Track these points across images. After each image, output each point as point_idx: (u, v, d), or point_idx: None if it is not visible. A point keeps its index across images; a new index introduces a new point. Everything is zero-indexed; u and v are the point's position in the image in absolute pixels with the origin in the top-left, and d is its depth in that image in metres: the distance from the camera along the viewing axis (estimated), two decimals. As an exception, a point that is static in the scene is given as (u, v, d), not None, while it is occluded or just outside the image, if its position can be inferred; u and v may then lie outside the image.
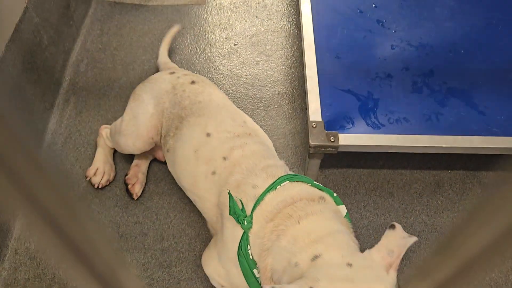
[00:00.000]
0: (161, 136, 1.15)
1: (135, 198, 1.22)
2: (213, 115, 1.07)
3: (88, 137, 1.35)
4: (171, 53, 1.58)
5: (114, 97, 1.45)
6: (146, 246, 1.15)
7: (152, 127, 1.14)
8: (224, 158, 0.99)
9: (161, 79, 1.20)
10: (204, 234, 1.17)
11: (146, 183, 1.26)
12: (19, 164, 0.22)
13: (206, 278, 1.09)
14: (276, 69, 1.56)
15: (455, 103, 1.28)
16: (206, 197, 1.01)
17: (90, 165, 1.28)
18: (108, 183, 1.25)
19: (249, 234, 0.88)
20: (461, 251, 0.23)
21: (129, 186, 1.23)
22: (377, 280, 0.75)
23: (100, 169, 1.24)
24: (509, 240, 0.21)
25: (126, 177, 1.24)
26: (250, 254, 0.88)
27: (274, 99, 1.48)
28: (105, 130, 1.29)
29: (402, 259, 0.77)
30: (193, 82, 1.16)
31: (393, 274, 0.78)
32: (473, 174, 1.34)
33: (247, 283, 0.90)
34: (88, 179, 1.23)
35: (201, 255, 1.12)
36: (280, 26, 1.69)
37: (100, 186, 1.23)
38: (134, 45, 1.59)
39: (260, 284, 0.88)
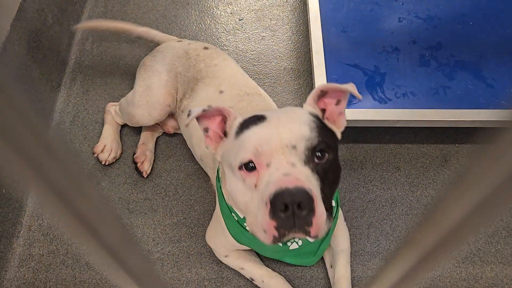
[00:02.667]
0: (176, 101, 1.18)
1: (145, 176, 1.24)
2: (227, 77, 1.14)
3: (95, 116, 1.36)
4: (175, 29, 1.57)
5: (120, 75, 1.45)
6: (156, 222, 1.18)
7: (168, 94, 1.17)
8: (230, 108, 1.01)
9: (171, 46, 1.23)
10: (212, 210, 1.19)
11: (154, 161, 1.27)
12: (29, 143, 0.23)
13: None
14: (281, 44, 1.54)
15: (463, 76, 1.26)
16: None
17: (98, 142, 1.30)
18: (115, 160, 1.26)
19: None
20: (443, 221, 0.24)
21: (138, 165, 1.24)
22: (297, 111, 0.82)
23: (107, 146, 1.25)
24: (485, 209, 0.22)
25: (134, 156, 1.25)
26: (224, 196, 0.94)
27: (280, 75, 1.47)
28: (113, 107, 1.30)
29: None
30: (206, 48, 1.21)
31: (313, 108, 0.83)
32: (475, 148, 1.33)
33: (231, 231, 0.95)
34: (95, 155, 1.25)
35: (210, 230, 1.14)
36: (285, 0, 1.66)
37: (107, 163, 1.25)
38: (139, 22, 1.58)
39: (243, 227, 0.92)
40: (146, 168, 1.24)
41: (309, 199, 0.67)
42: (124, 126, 1.33)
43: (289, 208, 0.67)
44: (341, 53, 1.31)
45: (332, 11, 1.40)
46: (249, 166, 0.73)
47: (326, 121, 0.83)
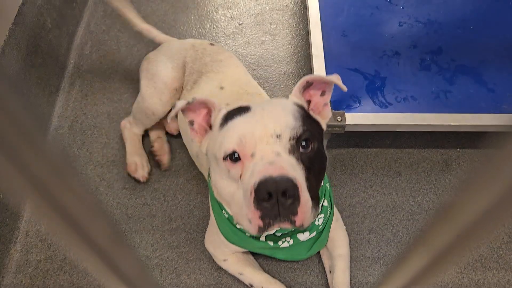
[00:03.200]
0: (181, 91, 1.19)
1: (163, 169, 1.24)
2: (230, 74, 1.15)
3: (94, 120, 1.35)
4: (175, 33, 1.56)
5: (119, 79, 1.45)
6: (154, 228, 1.16)
7: (175, 78, 1.17)
8: (227, 104, 1.02)
9: (177, 41, 1.26)
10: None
11: (153, 169, 1.26)
12: (25, 149, 0.22)
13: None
14: (281, 49, 1.54)
15: (464, 80, 1.26)
16: None
17: (97, 147, 1.29)
18: (149, 173, 1.24)
19: None
20: (457, 220, 0.24)
21: (157, 157, 1.24)
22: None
23: (138, 163, 1.23)
24: (501, 208, 0.22)
25: (153, 149, 1.25)
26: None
27: (280, 79, 1.47)
28: (127, 121, 1.28)
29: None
30: (212, 44, 1.23)
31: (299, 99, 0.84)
32: (480, 153, 1.32)
33: (222, 229, 0.94)
34: (132, 176, 1.22)
35: (209, 236, 1.13)
36: (285, 4, 1.66)
37: (145, 180, 1.22)
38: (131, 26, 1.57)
39: (233, 224, 0.91)
40: (166, 160, 1.25)
41: (294, 187, 0.67)
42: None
43: (273, 196, 0.67)
44: (341, 57, 1.31)
45: (332, 15, 1.39)
46: (233, 157, 0.74)
47: (311, 112, 0.84)
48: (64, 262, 1.12)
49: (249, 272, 1.04)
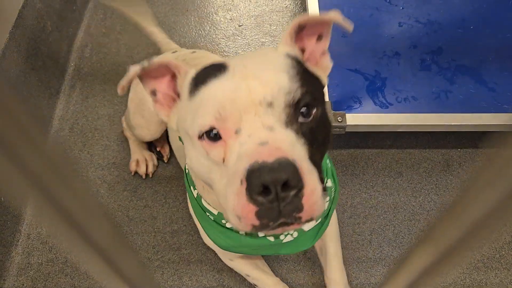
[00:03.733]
0: None
1: (166, 161, 1.26)
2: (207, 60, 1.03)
3: (95, 122, 1.35)
4: (175, 35, 1.56)
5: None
6: (156, 229, 1.16)
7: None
8: None
9: (163, 57, 1.19)
10: (213, 217, 1.17)
11: (156, 167, 1.26)
12: (26, 152, 0.22)
13: (215, 260, 1.10)
14: (281, 50, 1.54)
15: (464, 80, 1.26)
16: None
17: (98, 150, 1.29)
18: (156, 168, 1.26)
19: None
20: (460, 220, 0.24)
21: (158, 148, 1.26)
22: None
23: (140, 159, 1.24)
24: (506, 207, 0.22)
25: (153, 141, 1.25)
26: (186, 169, 0.84)
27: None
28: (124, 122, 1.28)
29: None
30: (193, 52, 1.14)
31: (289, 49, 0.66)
32: (483, 152, 1.32)
33: (211, 235, 0.82)
34: (133, 173, 1.24)
35: (211, 237, 1.13)
36: (285, 5, 1.66)
37: (150, 175, 1.24)
38: (138, 28, 1.58)
39: (222, 226, 0.79)
40: (167, 151, 1.27)
41: (296, 174, 0.51)
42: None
43: (271, 190, 0.51)
44: (341, 58, 1.31)
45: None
46: (211, 135, 0.57)
47: (307, 65, 0.66)
48: (66, 264, 1.12)
49: (257, 274, 0.99)
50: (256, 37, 1.57)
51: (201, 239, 1.14)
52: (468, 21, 1.39)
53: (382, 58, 1.31)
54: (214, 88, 0.58)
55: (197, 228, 1.16)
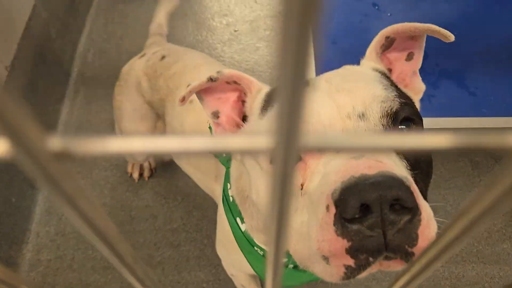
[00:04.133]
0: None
1: (166, 161, 1.32)
2: (192, 78, 0.85)
3: (98, 127, 1.43)
4: (173, 41, 1.63)
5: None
6: (156, 228, 1.25)
7: (145, 127, 1.07)
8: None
9: (132, 71, 1.05)
10: (210, 216, 1.25)
11: (154, 169, 1.34)
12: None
13: (213, 256, 1.18)
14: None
15: (447, 84, 1.33)
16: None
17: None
18: (154, 170, 1.33)
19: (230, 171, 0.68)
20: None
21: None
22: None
23: (135, 164, 1.31)
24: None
25: None
26: (230, 196, 0.67)
27: (275, 85, 1.53)
28: None
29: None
30: (163, 58, 0.99)
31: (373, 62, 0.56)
32: (465, 153, 1.40)
33: (256, 268, 0.70)
34: (129, 175, 1.32)
35: (208, 235, 1.21)
36: (279, 11, 1.72)
37: (146, 179, 1.32)
38: (138, 33, 1.64)
39: (253, 246, 0.66)
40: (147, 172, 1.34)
41: (408, 191, 0.37)
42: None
43: (373, 210, 0.37)
44: (331, 64, 1.37)
45: (322, 23, 1.46)
46: None
47: (398, 84, 0.56)
48: (73, 261, 1.20)
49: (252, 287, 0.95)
50: (251, 42, 1.64)
51: (199, 236, 1.23)
52: (453, 27, 1.45)
53: (370, 64, 1.37)
54: None
55: (196, 226, 1.25)
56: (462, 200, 1.29)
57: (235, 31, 1.67)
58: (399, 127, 0.47)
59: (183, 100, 0.56)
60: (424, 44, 0.59)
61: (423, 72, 1.36)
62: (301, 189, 0.45)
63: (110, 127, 1.43)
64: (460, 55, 1.40)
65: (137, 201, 1.29)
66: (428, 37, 1.50)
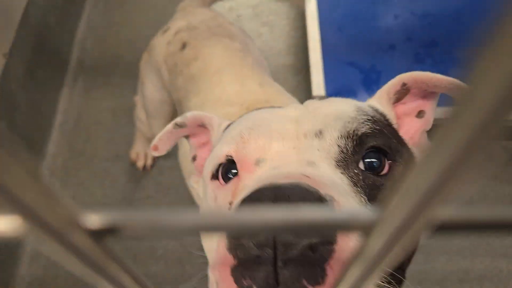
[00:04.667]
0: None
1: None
2: (211, 87, 0.77)
3: (97, 115, 1.39)
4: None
5: (120, 74, 1.48)
6: (159, 219, 1.22)
7: (164, 111, 1.01)
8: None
9: (153, 51, 0.95)
10: (213, 207, 1.23)
11: (156, 158, 1.31)
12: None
13: (216, 249, 1.16)
14: (279, 40, 1.57)
15: (458, 73, 1.29)
16: None
17: (101, 142, 1.34)
18: (154, 161, 1.30)
19: None
20: None
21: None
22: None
23: (140, 152, 1.28)
24: None
25: None
26: None
27: (278, 71, 1.50)
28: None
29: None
30: (183, 47, 0.87)
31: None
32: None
33: None
34: (132, 164, 1.29)
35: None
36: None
37: (149, 168, 1.29)
38: (138, 20, 1.60)
39: None
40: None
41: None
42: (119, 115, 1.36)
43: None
44: (338, 51, 1.34)
45: (329, 8, 1.42)
46: (226, 171, 0.41)
47: (399, 131, 0.48)
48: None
49: None
50: (254, 27, 1.59)
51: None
52: (462, 14, 1.42)
53: (377, 51, 1.34)
54: (248, 116, 0.45)
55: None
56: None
57: (238, 16, 1.62)
58: (366, 153, 0.39)
59: (155, 149, 0.53)
60: (436, 104, 0.50)
61: (433, 60, 1.32)
62: (230, 205, 0.40)
63: (110, 116, 1.39)
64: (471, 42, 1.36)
65: (139, 192, 1.27)
66: (439, 24, 1.44)
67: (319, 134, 0.39)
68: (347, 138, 0.39)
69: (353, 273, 0.13)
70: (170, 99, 0.95)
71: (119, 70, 1.49)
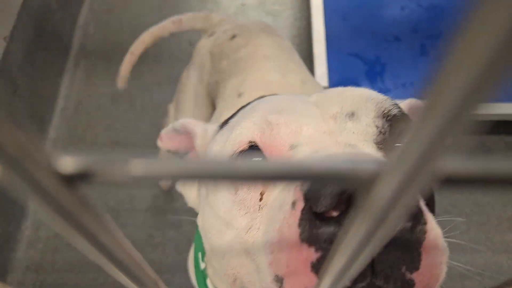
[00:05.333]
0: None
1: None
2: (254, 70, 0.75)
3: (98, 101, 1.38)
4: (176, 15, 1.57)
5: (122, 61, 1.47)
6: (157, 208, 1.22)
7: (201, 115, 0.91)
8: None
9: (197, 55, 0.93)
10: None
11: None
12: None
13: (214, 238, 1.15)
14: (284, 30, 1.55)
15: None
16: None
17: (101, 129, 1.33)
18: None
19: None
20: None
21: None
22: None
23: None
24: None
25: None
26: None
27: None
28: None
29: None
30: (233, 37, 0.84)
31: None
32: (478, 138, 1.35)
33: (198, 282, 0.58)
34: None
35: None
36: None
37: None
38: (140, 6, 1.58)
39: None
40: None
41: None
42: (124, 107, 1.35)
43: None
44: (342, 42, 1.32)
45: (334, -2, 1.40)
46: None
47: None
48: (72, 239, 1.18)
49: None
50: (258, 16, 1.57)
51: (201, 217, 1.20)
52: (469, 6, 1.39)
53: (382, 43, 1.32)
54: (266, 101, 0.40)
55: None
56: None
57: (243, 5, 1.60)
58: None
59: (161, 139, 0.53)
60: None
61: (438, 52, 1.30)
62: (260, 200, 0.34)
63: (110, 102, 1.38)
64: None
65: (138, 179, 1.26)
66: (445, 16, 1.42)
67: (352, 116, 0.36)
68: (383, 118, 0.37)
69: (360, 229, 0.12)
70: (207, 100, 0.89)
71: (121, 56, 1.48)
